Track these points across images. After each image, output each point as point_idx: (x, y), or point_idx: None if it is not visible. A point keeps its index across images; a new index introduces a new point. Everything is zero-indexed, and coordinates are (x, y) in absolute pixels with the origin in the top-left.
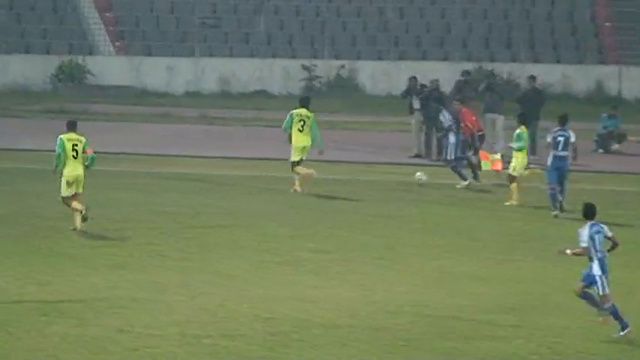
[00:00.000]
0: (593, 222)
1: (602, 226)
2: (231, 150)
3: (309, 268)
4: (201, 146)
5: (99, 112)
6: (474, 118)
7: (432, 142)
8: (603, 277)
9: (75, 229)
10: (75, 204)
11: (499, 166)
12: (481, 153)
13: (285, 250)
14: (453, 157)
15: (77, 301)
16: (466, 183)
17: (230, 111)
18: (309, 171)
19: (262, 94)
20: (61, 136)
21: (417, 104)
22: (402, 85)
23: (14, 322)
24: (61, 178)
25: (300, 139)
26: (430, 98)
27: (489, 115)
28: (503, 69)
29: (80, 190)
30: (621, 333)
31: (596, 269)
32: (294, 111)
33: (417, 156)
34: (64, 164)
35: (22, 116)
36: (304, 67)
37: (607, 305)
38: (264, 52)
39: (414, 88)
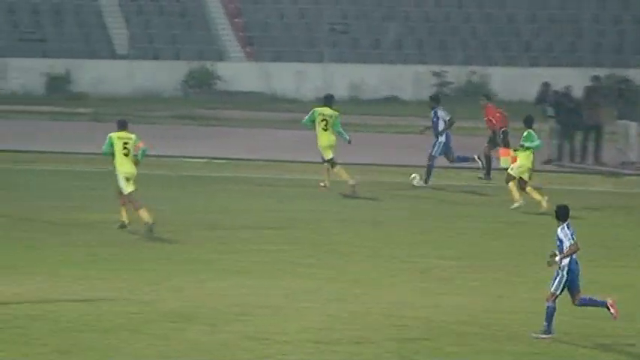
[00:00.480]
0: (568, 223)
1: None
2: (357, 156)
3: (438, 274)
4: None
5: (228, 118)
6: (498, 114)
7: (565, 147)
8: (565, 275)
9: (124, 225)
10: (142, 213)
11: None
12: (502, 150)
13: (412, 256)
14: (437, 154)
15: (208, 308)
16: (423, 184)
17: (359, 117)
18: (348, 177)
19: (392, 100)
20: (111, 134)
21: (550, 111)
22: (534, 92)
23: (146, 328)
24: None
25: (325, 138)
26: (562, 104)
27: (622, 122)
28: (637, 75)
29: (134, 188)
30: (541, 336)
31: (565, 263)
32: (317, 109)
33: (548, 161)
34: (118, 162)
35: (151, 122)
36: (434, 74)
37: (549, 302)
38: (394, 58)
39: (546, 94)
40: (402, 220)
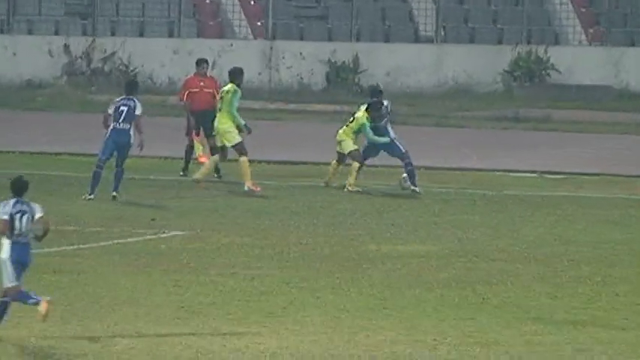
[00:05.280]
0: (20, 199)
1: (33, 205)
2: None
3: None
4: None
5: (563, 120)
6: None
7: None
8: (9, 264)
9: None
10: None
11: (202, 158)
12: (196, 137)
13: None
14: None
15: None
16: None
17: None
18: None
19: None
20: None
21: None
22: None
23: None
24: None
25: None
26: None
27: None
28: None
29: None
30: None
31: (5, 253)
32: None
33: None
34: None
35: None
36: None
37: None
38: None
39: None
40: None
